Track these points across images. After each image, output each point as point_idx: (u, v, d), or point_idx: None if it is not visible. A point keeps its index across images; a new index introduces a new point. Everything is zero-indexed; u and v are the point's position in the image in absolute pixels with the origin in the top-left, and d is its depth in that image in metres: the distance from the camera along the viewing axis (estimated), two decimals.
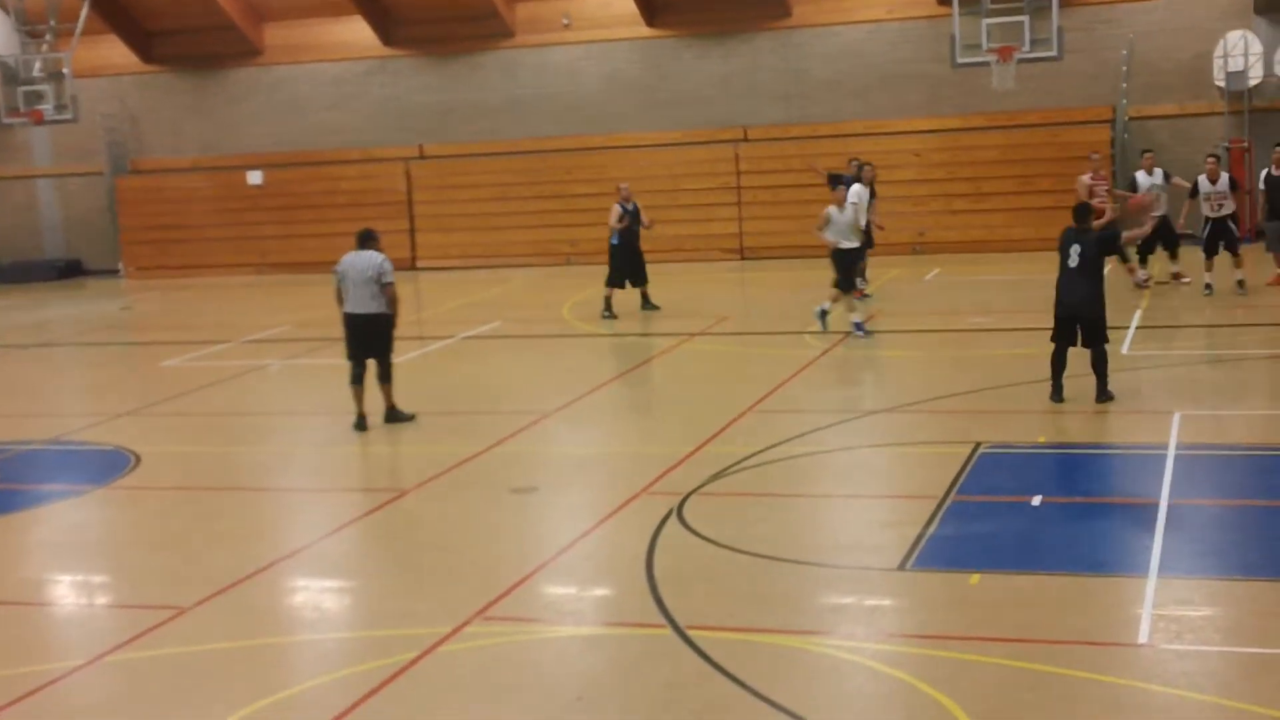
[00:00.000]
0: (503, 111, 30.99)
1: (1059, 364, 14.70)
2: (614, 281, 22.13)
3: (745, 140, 29.32)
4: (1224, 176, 20.93)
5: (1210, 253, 21.10)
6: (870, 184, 22.87)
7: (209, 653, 9.16)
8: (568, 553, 10.98)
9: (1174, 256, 21.99)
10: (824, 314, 19.30)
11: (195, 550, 11.44)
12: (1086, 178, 22.37)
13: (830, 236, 19.45)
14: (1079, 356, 14.71)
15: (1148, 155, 21.85)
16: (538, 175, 30.44)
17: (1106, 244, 14.76)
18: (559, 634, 9.31)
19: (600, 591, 10.27)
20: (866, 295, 22.01)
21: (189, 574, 10.70)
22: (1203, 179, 21.08)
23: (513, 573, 10.40)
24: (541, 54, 30.67)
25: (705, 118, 29.63)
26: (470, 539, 11.54)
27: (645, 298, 22.57)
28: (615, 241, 22.06)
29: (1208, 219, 21.00)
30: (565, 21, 30.36)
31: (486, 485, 13.05)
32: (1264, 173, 21.57)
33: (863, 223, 22.03)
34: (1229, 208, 21.09)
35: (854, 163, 23.37)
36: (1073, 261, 14.52)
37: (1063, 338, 14.67)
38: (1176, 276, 21.89)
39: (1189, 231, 21.93)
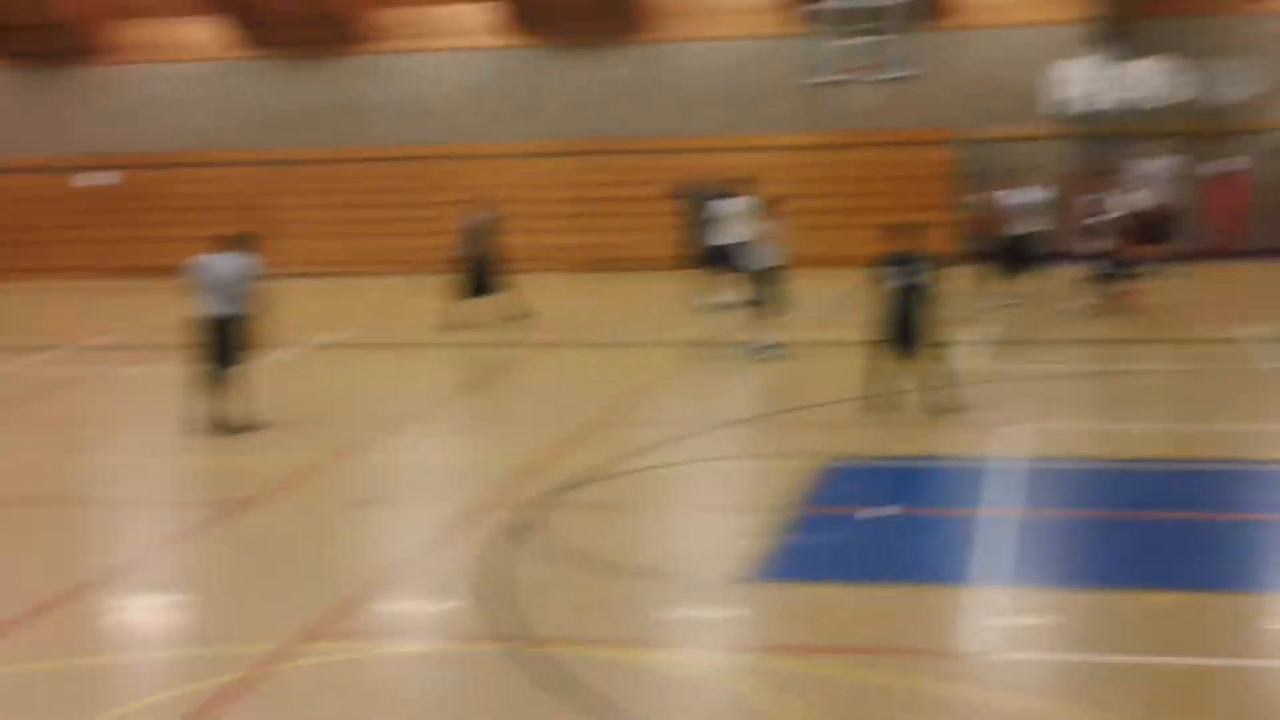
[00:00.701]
0: (358, 117, 30.53)
1: (891, 376, 14.92)
2: (465, 293, 21.87)
3: (600, 152, 29.21)
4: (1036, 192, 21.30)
5: (1013, 271, 21.66)
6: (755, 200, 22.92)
7: (22, 674, 8.72)
8: (407, 566, 10.72)
9: (1019, 275, 22.22)
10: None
11: (11, 566, 10.95)
12: (1000, 194, 22.39)
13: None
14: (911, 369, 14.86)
15: (1011, 175, 21.81)
16: (393, 182, 30.04)
17: (938, 263, 15.01)
18: (396, 650, 9.05)
19: (440, 606, 10.01)
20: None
21: (3, 590, 10.24)
22: (1008, 194, 21.49)
23: (348, 588, 10.11)
24: (398, 60, 30.29)
25: (561, 129, 29.49)
26: (306, 553, 11.21)
27: (504, 308, 22.28)
28: (463, 253, 21.84)
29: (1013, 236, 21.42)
30: (417, 31, 30.06)
31: (326, 497, 12.72)
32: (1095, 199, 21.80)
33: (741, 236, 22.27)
34: (1036, 225, 21.66)
35: (720, 180, 23.38)
36: (905, 280, 14.75)
37: (895, 350, 14.89)
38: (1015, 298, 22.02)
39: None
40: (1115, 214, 21.05)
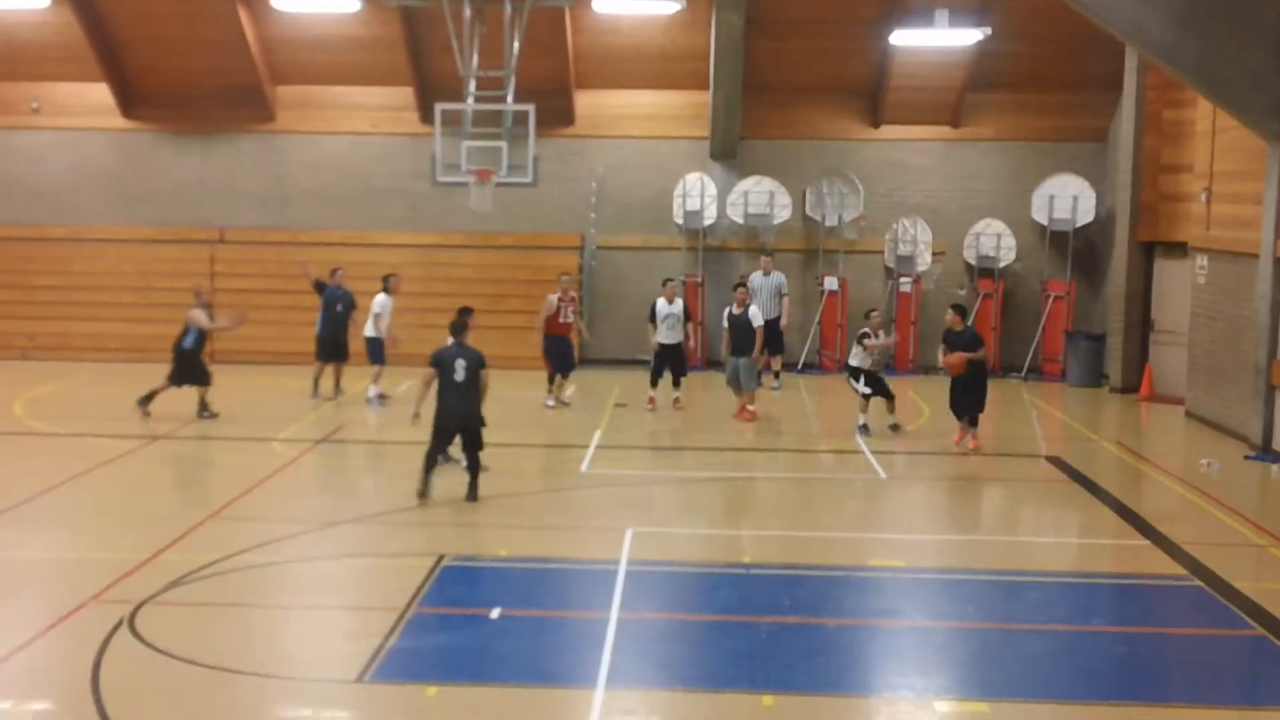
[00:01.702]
0: None
1: (431, 463, 16.03)
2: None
3: (222, 241, 28.72)
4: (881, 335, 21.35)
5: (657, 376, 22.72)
6: (395, 293, 23.17)
7: None
8: (4, 664, 10.30)
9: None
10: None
11: None
12: (554, 297, 23.21)
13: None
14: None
15: (875, 315, 21.48)
16: None
17: (483, 362, 16.02)
18: None
19: (39, 706, 9.68)
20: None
21: None
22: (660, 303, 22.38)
23: None
24: (6, 137, 29.12)
25: (181, 216, 28.85)
26: None
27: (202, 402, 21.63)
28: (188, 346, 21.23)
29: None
30: (35, 106, 28.99)
31: None
32: (726, 311, 22.64)
33: (382, 330, 22.62)
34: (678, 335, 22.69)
35: (338, 272, 23.48)
36: (459, 375, 15.82)
37: (442, 443, 16.08)
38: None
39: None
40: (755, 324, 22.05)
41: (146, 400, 21.04)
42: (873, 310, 21.63)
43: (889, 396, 21.09)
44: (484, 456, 16.27)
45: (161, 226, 28.75)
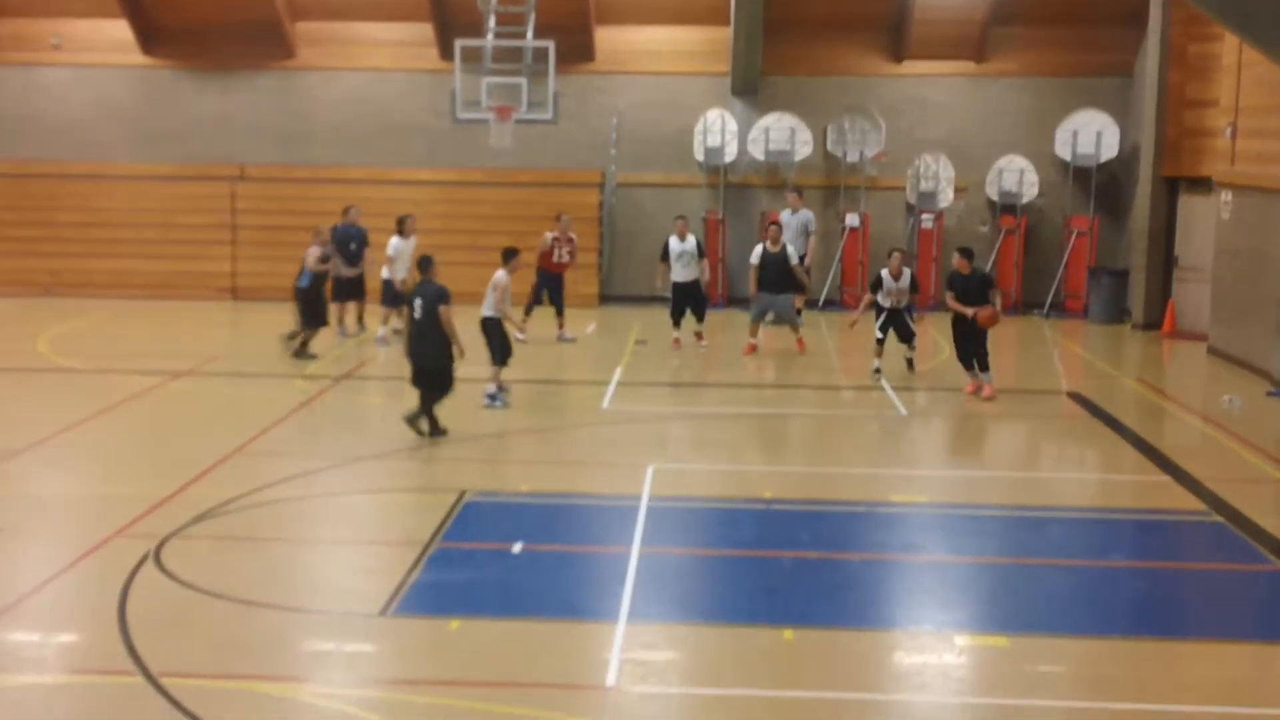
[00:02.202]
0: None
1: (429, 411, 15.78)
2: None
3: (243, 178, 28.74)
4: (906, 273, 20.46)
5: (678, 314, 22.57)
6: (411, 235, 22.92)
7: None
8: (32, 598, 10.42)
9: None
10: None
11: None
12: (550, 235, 23.17)
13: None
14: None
15: (896, 255, 20.52)
16: (15, 199, 28.78)
17: (442, 298, 15.65)
18: (18, 683, 8.83)
19: (67, 638, 9.80)
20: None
21: None
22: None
23: None
24: (27, 73, 29.10)
25: (202, 153, 28.86)
26: None
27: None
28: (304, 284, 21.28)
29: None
30: (55, 42, 28.95)
31: None
32: (759, 248, 22.45)
33: (400, 276, 22.39)
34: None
35: (351, 210, 23.38)
36: (417, 314, 15.62)
37: (418, 383, 15.83)
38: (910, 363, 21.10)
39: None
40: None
41: (303, 348, 21.05)
42: (895, 250, 20.83)
43: (909, 337, 20.56)
44: (512, 388, 16.16)
45: (182, 163, 28.76)
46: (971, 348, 19.27)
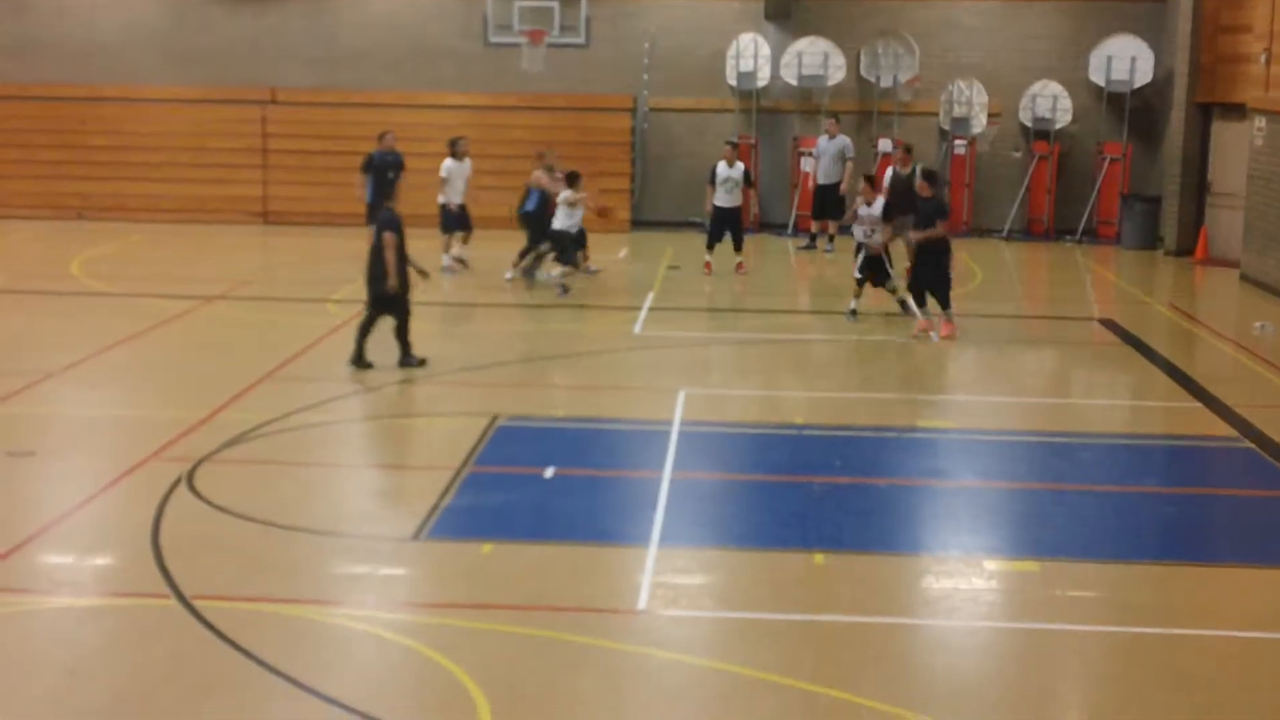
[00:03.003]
0: (10, 54, 29.14)
1: (365, 332, 15.46)
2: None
3: (274, 102, 28.67)
4: (879, 201, 19.96)
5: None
6: (465, 157, 22.64)
7: None
8: (66, 520, 10.52)
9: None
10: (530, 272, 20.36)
11: None
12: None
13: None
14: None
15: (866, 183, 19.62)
16: (47, 123, 28.78)
17: (388, 225, 15.38)
18: (53, 605, 8.93)
19: (100, 560, 9.90)
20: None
21: None
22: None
23: (3, 541, 9.88)
24: None
25: (232, 76, 28.80)
26: None
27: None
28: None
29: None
30: None
31: None
32: (889, 171, 22.15)
33: (456, 201, 22.05)
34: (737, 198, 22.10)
35: (387, 135, 23.12)
36: (373, 240, 15.44)
37: (376, 310, 15.47)
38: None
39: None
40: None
41: (530, 271, 21.07)
42: (865, 175, 19.98)
43: (885, 281, 18.92)
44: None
45: (213, 86, 28.70)
46: (929, 276, 17.83)
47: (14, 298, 19.96)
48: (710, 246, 22.58)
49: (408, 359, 15.52)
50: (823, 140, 25.45)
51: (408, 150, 23.67)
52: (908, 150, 22.23)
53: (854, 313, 19.06)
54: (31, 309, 19.14)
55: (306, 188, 27.54)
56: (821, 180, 25.31)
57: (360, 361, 15.39)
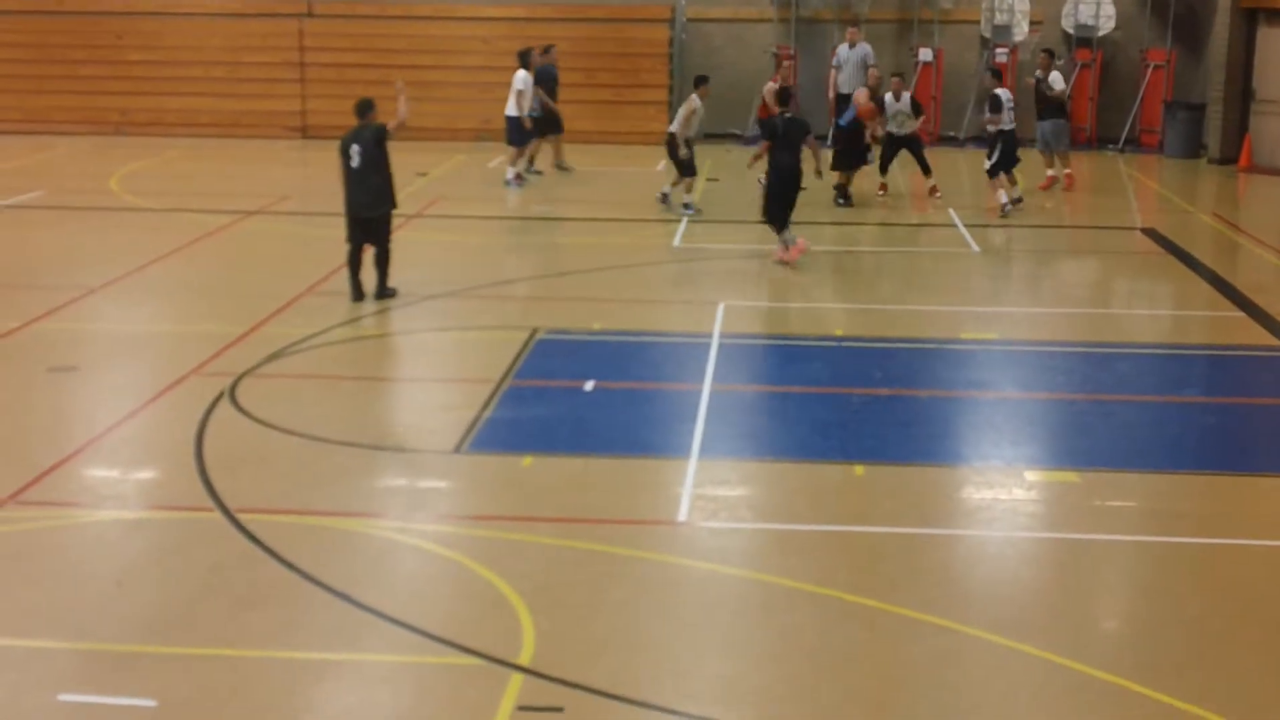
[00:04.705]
0: None
1: (355, 263, 14.63)
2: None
3: (310, 15, 28.53)
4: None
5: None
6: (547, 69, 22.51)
7: None
8: (110, 435, 10.62)
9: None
10: (665, 196, 20.19)
11: None
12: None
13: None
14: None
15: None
16: (85, 38, 28.75)
17: (381, 137, 14.66)
18: (98, 518, 9.04)
19: (144, 474, 10.00)
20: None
21: None
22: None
23: (48, 455, 10.00)
24: None
25: None
26: (4, 421, 10.98)
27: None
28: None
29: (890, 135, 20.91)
30: None
31: (21, 363, 12.43)
32: (1035, 76, 22.05)
33: (525, 109, 21.70)
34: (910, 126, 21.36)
35: (551, 49, 22.92)
36: (355, 161, 14.52)
37: (356, 238, 14.64)
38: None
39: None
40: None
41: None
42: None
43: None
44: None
45: (249, 0, 28.57)
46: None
47: (55, 213, 20.04)
48: (883, 169, 21.89)
49: (385, 290, 14.76)
50: (844, 49, 25.08)
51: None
52: (1050, 54, 22.56)
53: (1018, 200, 20.40)
54: (72, 225, 19.22)
55: (345, 101, 26.98)
56: (843, 89, 24.78)
57: (360, 295, 14.63)
